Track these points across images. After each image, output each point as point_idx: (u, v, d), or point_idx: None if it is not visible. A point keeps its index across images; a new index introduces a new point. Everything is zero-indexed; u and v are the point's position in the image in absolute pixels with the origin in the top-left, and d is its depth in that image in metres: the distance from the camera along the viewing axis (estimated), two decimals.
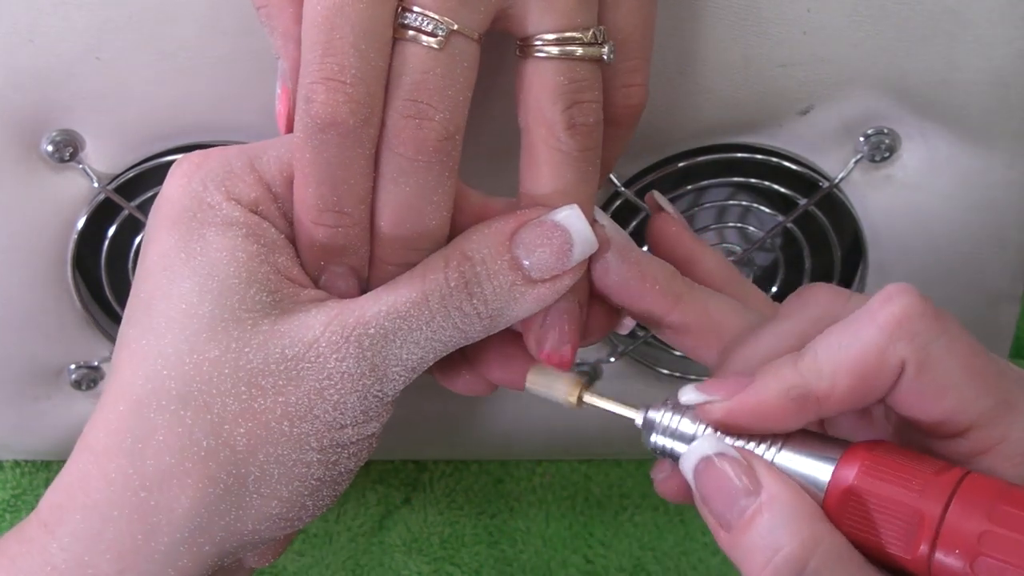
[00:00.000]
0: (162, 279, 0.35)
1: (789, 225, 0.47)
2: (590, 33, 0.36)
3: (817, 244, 0.48)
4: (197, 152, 0.36)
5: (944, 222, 0.47)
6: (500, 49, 0.37)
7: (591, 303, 0.38)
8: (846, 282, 0.50)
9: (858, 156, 0.45)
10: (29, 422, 0.51)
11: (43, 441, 0.52)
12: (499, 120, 0.39)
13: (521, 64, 0.36)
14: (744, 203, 0.49)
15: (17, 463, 0.55)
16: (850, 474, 0.32)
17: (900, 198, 0.46)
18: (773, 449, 0.33)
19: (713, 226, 0.50)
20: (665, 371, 0.51)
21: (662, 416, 0.35)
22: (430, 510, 0.56)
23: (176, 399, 0.34)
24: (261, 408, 0.34)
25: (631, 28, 0.37)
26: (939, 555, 0.30)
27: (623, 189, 0.45)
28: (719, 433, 0.34)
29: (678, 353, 0.51)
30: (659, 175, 0.46)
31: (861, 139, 0.45)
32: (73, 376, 0.49)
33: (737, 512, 0.32)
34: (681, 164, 0.46)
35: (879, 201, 0.46)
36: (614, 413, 0.37)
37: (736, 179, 0.47)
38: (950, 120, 0.44)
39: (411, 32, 0.34)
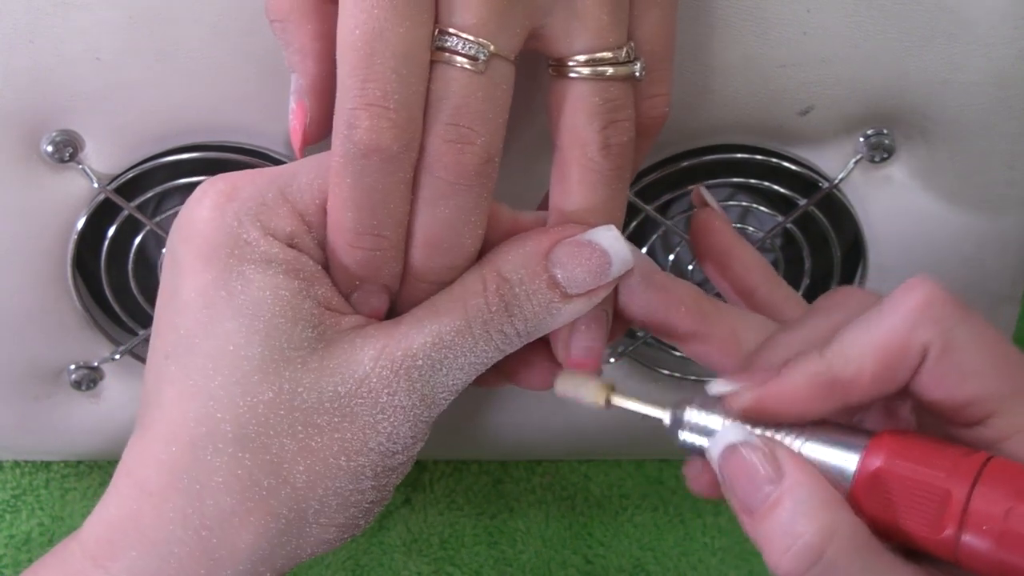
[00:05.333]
0: (203, 316, 0.35)
1: (789, 225, 0.47)
2: (623, 52, 0.36)
3: (817, 245, 0.48)
4: (224, 178, 0.36)
5: (944, 222, 0.47)
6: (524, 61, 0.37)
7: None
8: (846, 283, 0.50)
9: (858, 156, 0.45)
10: (29, 422, 0.51)
11: (43, 441, 0.52)
12: (526, 131, 0.39)
13: (555, 84, 0.36)
14: (744, 203, 0.49)
15: (17, 463, 0.55)
16: (878, 459, 0.33)
17: (900, 198, 0.46)
18: (800, 439, 0.34)
19: None
20: (665, 371, 0.51)
21: (690, 414, 0.36)
22: (430, 510, 0.56)
23: (232, 442, 0.34)
24: (318, 446, 0.35)
25: (656, 40, 0.37)
26: (967, 533, 0.31)
27: None
28: (747, 425, 0.35)
29: (678, 353, 0.51)
30: (659, 175, 0.46)
31: (861, 140, 0.45)
32: (73, 376, 0.49)
33: (760, 498, 0.33)
34: (681, 164, 0.46)
35: (879, 202, 0.46)
36: (642, 414, 0.37)
37: (736, 179, 0.47)
38: (950, 120, 0.44)
39: (449, 55, 0.34)
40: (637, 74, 0.36)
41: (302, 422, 0.35)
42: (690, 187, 0.47)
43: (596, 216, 0.37)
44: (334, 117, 0.34)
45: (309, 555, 0.36)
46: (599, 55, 0.35)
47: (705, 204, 0.42)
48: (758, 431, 0.34)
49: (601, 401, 0.37)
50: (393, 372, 0.35)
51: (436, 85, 0.34)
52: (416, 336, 0.35)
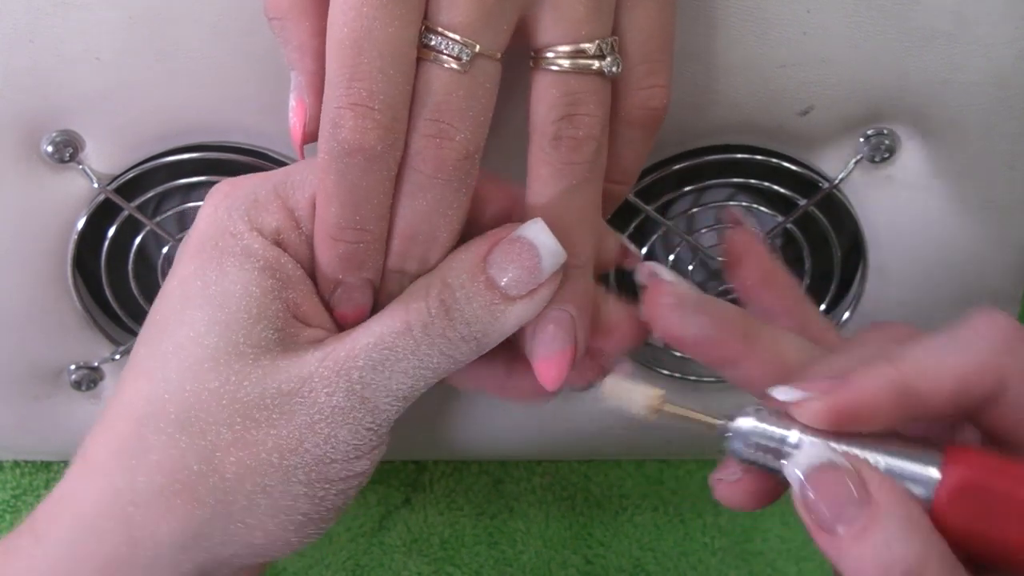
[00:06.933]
0: (177, 304, 0.36)
1: (789, 226, 0.48)
2: (595, 46, 0.36)
3: (817, 245, 0.48)
4: (228, 180, 0.37)
5: (944, 222, 0.47)
6: (518, 56, 0.37)
7: (617, 321, 0.39)
8: (846, 283, 0.50)
9: (858, 156, 0.45)
10: (29, 422, 0.51)
11: (43, 441, 0.52)
12: (517, 127, 0.39)
13: (531, 74, 0.37)
14: (744, 204, 0.49)
15: (17, 463, 0.55)
16: (962, 473, 0.33)
17: (900, 198, 0.46)
18: (875, 454, 0.33)
19: (713, 227, 0.50)
20: (665, 372, 0.51)
21: (750, 423, 0.35)
22: (430, 510, 0.56)
23: (174, 423, 0.35)
24: (253, 439, 0.35)
25: (650, 30, 0.37)
26: None
27: None
28: (828, 440, 0.34)
29: (678, 353, 0.51)
30: (659, 175, 0.46)
31: (861, 139, 0.45)
32: (73, 376, 0.49)
33: (846, 521, 0.32)
34: (681, 165, 0.46)
35: (879, 202, 0.46)
36: (697, 421, 0.36)
37: (736, 180, 0.47)
38: (950, 120, 0.44)
39: (435, 54, 0.34)
40: (606, 71, 0.36)
41: (241, 414, 0.35)
42: (689, 188, 0.47)
43: (548, 210, 0.36)
44: (321, 115, 0.35)
45: (231, 556, 0.36)
46: (571, 47, 0.36)
47: (739, 223, 0.42)
48: (833, 445, 0.33)
49: (653, 409, 0.36)
50: (335, 372, 0.35)
51: (420, 82, 0.34)
52: (361, 338, 0.36)
